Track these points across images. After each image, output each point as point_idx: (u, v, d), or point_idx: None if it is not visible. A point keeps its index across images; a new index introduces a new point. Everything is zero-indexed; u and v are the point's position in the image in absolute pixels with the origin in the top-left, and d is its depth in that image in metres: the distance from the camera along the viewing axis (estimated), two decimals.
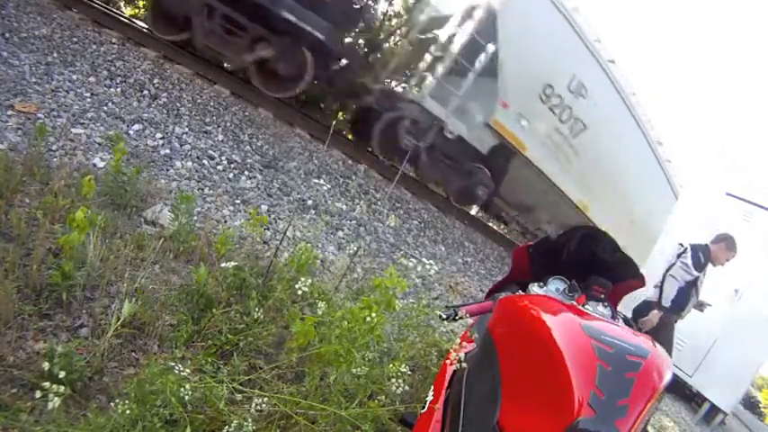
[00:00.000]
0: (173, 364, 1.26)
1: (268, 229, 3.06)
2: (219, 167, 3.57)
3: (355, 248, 2.55)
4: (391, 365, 1.34)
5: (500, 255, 6.35)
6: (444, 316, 1.50)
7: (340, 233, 3.80)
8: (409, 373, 1.37)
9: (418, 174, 6.56)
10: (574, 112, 5.93)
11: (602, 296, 1.36)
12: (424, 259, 1.61)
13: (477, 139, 5.74)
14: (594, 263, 1.49)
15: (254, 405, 1.26)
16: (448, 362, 1.34)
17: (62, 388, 1.10)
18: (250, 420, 1.20)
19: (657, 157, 6.99)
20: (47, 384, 1.09)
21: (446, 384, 1.31)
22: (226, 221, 2.95)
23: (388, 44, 7.10)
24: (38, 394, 1.10)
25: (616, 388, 0.83)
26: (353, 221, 4.12)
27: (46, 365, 1.21)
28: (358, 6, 5.87)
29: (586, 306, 1.27)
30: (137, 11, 8.20)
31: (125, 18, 6.11)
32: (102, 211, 2.14)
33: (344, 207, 4.20)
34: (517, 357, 1.04)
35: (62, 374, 1.18)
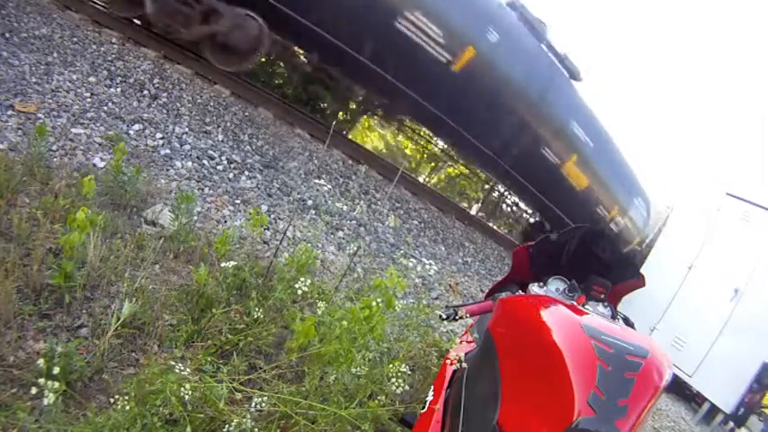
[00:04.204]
0: (173, 363, 1.26)
1: (268, 229, 3.06)
2: (219, 167, 3.57)
3: (355, 248, 2.55)
4: (391, 365, 1.34)
5: (500, 255, 6.35)
6: (444, 316, 1.50)
7: (340, 233, 3.80)
8: (409, 373, 1.37)
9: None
10: None
11: (602, 296, 1.36)
12: (423, 259, 1.61)
13: None
14: (594, 263, 1.49)
15: (253, 405, 1.26)
16: (448, 362, 1.34)
17: (57, 384, 1.10)
18: (250, 419, 1.20)
19: None
20: (42, 381, 1.09)
21: (446, 384, 1.31)
22: (226, 221, 2.95)
23: None
24: (33, 391, 1.10)
25: (616, 388, 0.83)
26: (353, 221, 4.12)
27: (41, 362, 1.21)
28: None
29: (586, 306, 1.28)
30: None
31: (125, 18, 6.10)
32: (103, 211, 2.14)
33: (344, 207, 4.20)
34: (517, 357, 1.04)
35: (56, 370, 1.18)
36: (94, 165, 2.76)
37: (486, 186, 10.41)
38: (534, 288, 1.48)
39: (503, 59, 5.82)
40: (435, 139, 9.72)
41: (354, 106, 9.05)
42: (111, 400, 1.19)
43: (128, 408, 1.16)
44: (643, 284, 1.49)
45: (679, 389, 5.45)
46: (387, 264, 3.71)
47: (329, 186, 4.43)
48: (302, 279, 1.55)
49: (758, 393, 5.09)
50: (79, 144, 2.86)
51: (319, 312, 1.52)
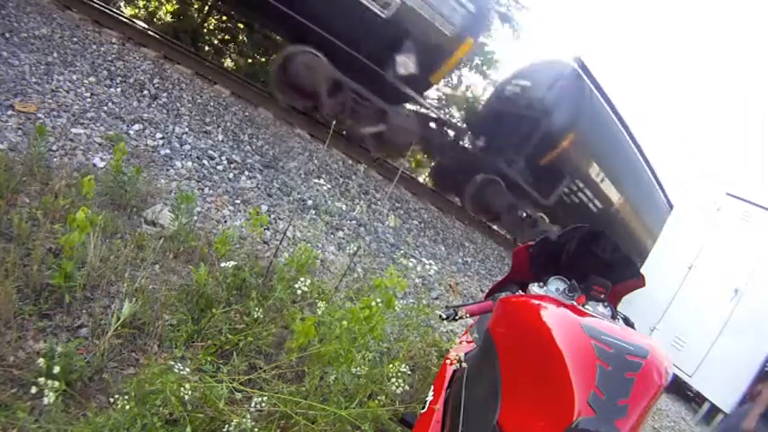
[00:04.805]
0: (173, 363, 1.26)
1: (268, 229, 3.06)
2: (219, 167, 3.57)
3: (355, 248, 2.55)
4: (391, 365, 1.34)
5: (500, 255, 6.35)
6: (444, 316, 1.50)
7: (340, 233, 3.80)
8: (409, 373, 1.37)
9: None
10: None
11: (602, 296, 1.36)
12: (423, 259, 1.62)
13: None
14: (594, 263, 1.49)
15: (253, 404, 1.26)
16: (448, 362, 1.34)
17: (57, 383, 1.09)
18: (250, 419, 1.20)
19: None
20: (42, 380, 1.09)
21: (446, 384, 1.31)
22: (226, 221, 2.95)
23: None
24: (33, 390, 1.10)
25: (616, 388, 0.83)
26: (353, 221, 4.12)
27: (41, 361, 1.21)
28: None
29: (586, 306, 1.27)
30: (136, 11, 8.21)
31: (125, 18, 6.11)
32: (103, 211, 2.14)
33: (344, 207, 4.20)
34: (517, 357, 1.04)
35: (57, 369, 1.18)
36: (94, 165, 2.76)
37: None
38: (534, 288, 1.48)
39: None
40: None
41: None
42: (111, 400, 1.19)
43: (128, 408, 1.16)
44: (643, 284, 1.49)
45: (679, 389, 5.44)
46: (387, 264, 3.71)
47: (329, 186, 4.43)
48: (302, 279, 1.55)
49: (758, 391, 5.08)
50: (79, 144, 2.86)
51: (319, 312, 1.52)
